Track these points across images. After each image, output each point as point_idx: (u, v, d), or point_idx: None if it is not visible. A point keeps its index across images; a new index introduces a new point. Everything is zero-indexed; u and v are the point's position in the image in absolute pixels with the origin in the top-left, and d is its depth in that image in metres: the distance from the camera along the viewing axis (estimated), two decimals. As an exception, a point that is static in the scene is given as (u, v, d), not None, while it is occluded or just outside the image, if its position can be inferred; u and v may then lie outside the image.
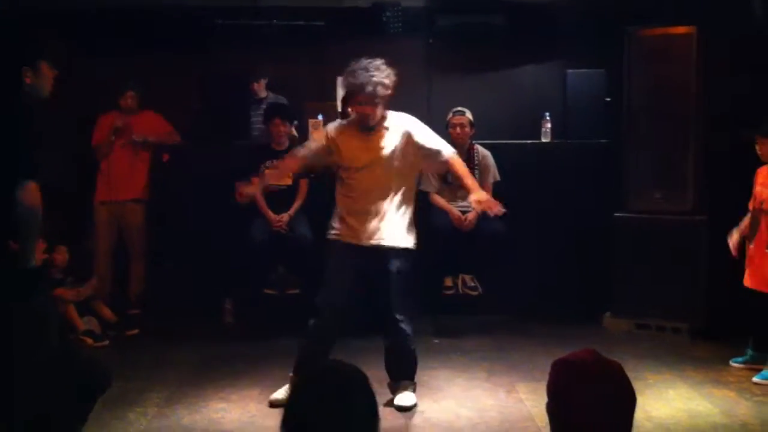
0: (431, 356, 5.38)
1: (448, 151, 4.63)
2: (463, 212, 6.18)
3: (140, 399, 4.57)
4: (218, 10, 7.09)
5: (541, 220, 6.44)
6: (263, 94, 6.94)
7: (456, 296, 6.25)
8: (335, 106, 7.10)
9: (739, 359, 5.08)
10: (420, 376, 4.90)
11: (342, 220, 4.49)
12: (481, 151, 6.36)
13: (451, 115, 6.29)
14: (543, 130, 6.74)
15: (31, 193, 3.43)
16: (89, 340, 5.78)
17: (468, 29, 7.40)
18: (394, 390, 4.53)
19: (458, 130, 6.23)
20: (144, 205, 6.44)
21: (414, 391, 4.56)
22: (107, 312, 6.12)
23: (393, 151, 4.46)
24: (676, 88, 6.00)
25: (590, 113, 6.68)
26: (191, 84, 7.18)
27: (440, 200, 6.27)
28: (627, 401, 2.11)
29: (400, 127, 4.54)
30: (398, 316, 4.47)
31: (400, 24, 7.36)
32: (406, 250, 4.50)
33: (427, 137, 4.57)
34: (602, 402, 2.07)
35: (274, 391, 4.59)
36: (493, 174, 6.33)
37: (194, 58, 7.13)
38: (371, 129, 4.47)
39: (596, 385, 2.09)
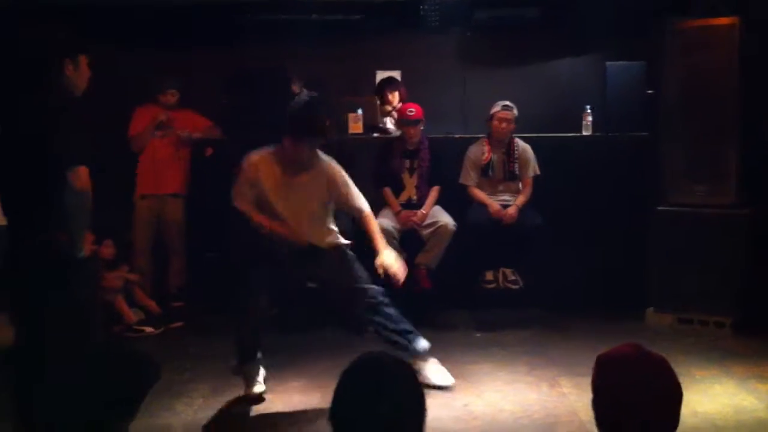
0: (472, 350, 5.40)
1: (366, 207, 4.69)
2: (504, 206, 6.18)
3: (186, 390, 4.64)
4: (256, 4, 7.14)
5: (581, 213, 6.40)
6: (297, 89, 6.97)
7: (497, 290, 6.25)
8: (373, 100, 7.13)
9: None
10: (462, 369, 4.94)
11: None
12: (521, 144, 6.34)
13: (498, 108, 6.24)
14: (584, 123, 6.69)
15: (81, 177, 3.52)
16: (148, 329, 5.89)
17: (505, 22, 7.39)
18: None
19: (503, 125, 6.21)
20: (183, 199, 6.52)
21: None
22: (152, 304, 6.21)
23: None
24: (717, 80, 5.92)
25: (631, 106, 6.61)
26: (227, 78, 7.23)
27: (480, 194, 6.27)
28: (674, 396, 2.11)
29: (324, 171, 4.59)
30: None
31: (438, 17, 7.36)
32: None
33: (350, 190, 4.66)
34: (649, 397, 2.07)
35: (317, 382, 4.64)
36: (533, 168, 6.32)
37: (231, 53, 7.19)
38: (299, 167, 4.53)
39: (642, 380, 2.08)
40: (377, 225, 4.79)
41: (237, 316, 4.56)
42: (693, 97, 6.01)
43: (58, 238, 3.52)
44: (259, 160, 4.54)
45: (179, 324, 6.15)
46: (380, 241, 4.65)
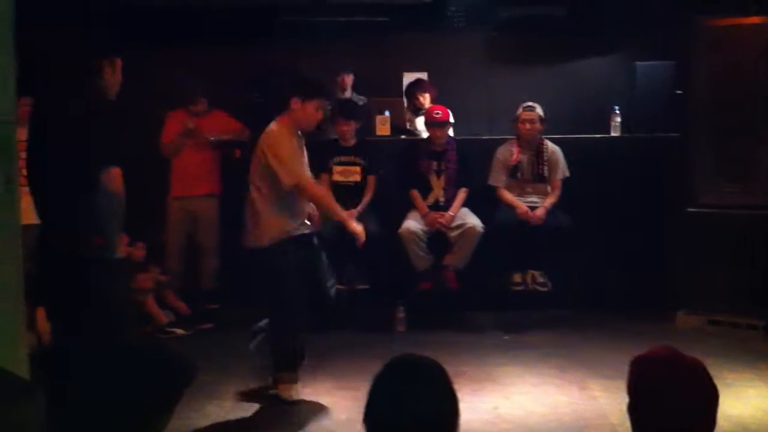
0: (501, 352, 5.39)
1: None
2: (531, 208, 6.16)
3: (218, 391, 4.66)
4: (283, 6, 7.18)
5: (609, 215, 6.36)
6: (348, 94, 6.98)
7: (525, 292, 6.22)
8: (401, 102, 7.14)
9: None
10: (490, 372, 4.94)
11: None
12: (551, 146, 6.30)
13: (520, 110, 6.24)
14: (612, 124, 6.64)
15: (114, 178, 3.57)
16: (179, 331, 5.95)
17: (532, 21, 7.36)
18: None
19: (528, 125, 6.19)
20: (216, 200, 6.57)
21: None
22: (182, 306, 6.26)
23: None
24: (747, 80, 5.88)
25: (659, 106, 6.55)
26: (256, 80, 7.27)
27: (508, 195, 6.25)
28: (711, 399, 2.09)
29: None
30: None
31: (463, 17, 7.35)
32: None
33: None
34: (686, 399, 2.05)
35: (347, 384, 4.66)
36: (562, 170, 6.28)
37: (259, 54, 7.24)
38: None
39: (680, 382, 2.06)
40: None
41: (283, 325, 4.52)
42: (723, 96, 5.96)
43: (93, 240, 3.57)
44: (280, 130, 4.49)
45: (209, 325, 6.19)
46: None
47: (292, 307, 4.48)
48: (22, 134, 3.49)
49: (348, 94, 6.93)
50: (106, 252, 3.66)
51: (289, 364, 4.55)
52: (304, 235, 4.58)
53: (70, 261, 3.60)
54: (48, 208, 3.68)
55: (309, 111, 4.50)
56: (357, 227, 4.58)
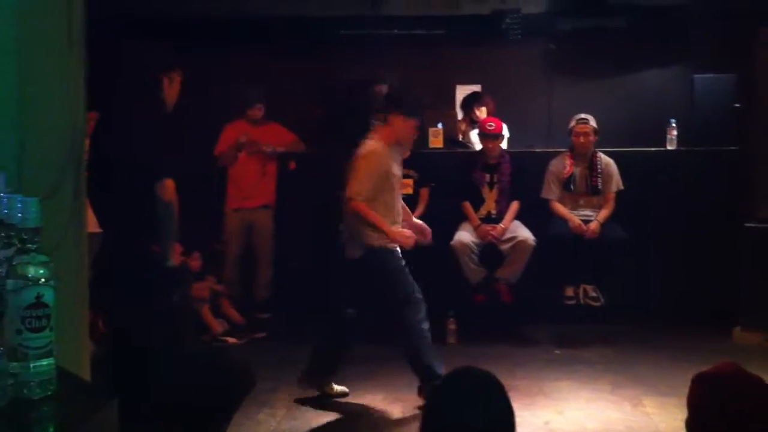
0: (553, 367, 5.35)
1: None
2: (585, 221, 6.11)
3: (270, 400, 4.72)
4: (341, 19, 7.26)
5: (665, 229, 6.28)
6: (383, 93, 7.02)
7: (577, 306, 6.17)
8: (454, 114, 7.15)
9: None
10: (542, 386, 4.91)
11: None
12: (604, 159, 6.26)
13: (574, 123, 6.21)
14: (669, 137, 6.57)
15: (167, 189, 3.68)
16: (231, 339, 6.04)
17: (589, 33, 7.33)
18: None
19: (581, 138, 6.16)
20: (272, 210, 6.66)
21: None
22: (236, 315, 6.34)
23: None
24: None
25: (718, 119, 6.46)
26: (315, 92, 7.37)
27: (561, 208, 6.21)
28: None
29: None
30: None
31: (520, 30, 7.34)
32: None
33: None
34: (749, 418, 2.03)
35: (399, 395, 4.68)
36: (617, 182, 6.23)
37: (318, 67, 7.33)
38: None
39: (741, 401, 2.04)
40: None
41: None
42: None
43: (151, 248, 3.66)
44: (379, 148, 4.56)
45: (262, 334, 6.26)
46: None
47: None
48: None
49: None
50: (162, 259, 3.76)
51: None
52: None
53: (130, 267, 3.70)
54: (109, 217, 3.79)
55: (409, 127, 4.58)
56: (403, 239, 4.55)
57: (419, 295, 4.56)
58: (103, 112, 3.79)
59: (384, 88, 7.00)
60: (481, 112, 6.89)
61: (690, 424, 2.14)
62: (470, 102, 7.05)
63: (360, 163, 4.52)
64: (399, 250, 4.62)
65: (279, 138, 6.72)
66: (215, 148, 6.63)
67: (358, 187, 4.47)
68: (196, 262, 6.17)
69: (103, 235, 3.84)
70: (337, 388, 4.80)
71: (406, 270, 4.58)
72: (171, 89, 3.90)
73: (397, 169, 4.59)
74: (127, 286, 3.64)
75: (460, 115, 7.17)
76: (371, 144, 4.58)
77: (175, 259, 3.93)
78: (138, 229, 3.70)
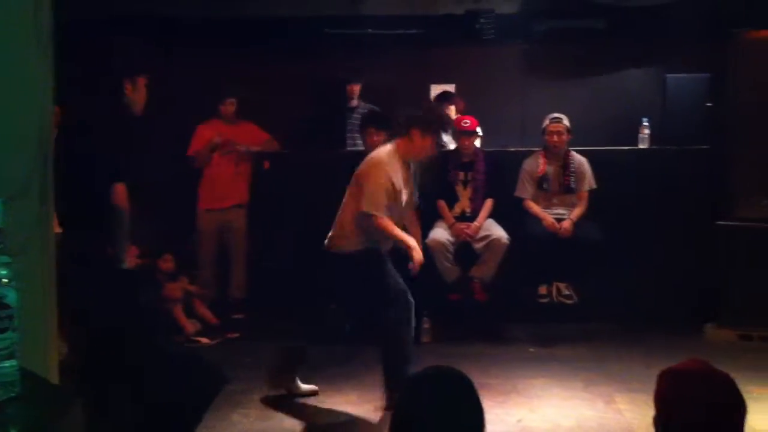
0: (527, 365, 5.38)
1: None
2: (558, 219, 6.15)
3: (243, 401, 4.70)
4: (319, 19, 7.24)
5: (638, 227, 6.33)
6: (355, 103, 7.02)
7: (551, 304, 6.20)
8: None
9: None
10: (516, 384, 4.93)
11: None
12: (577, 158, 6.30)
13: (547, 122, 6.25)
14: (641, 136, 6.63)
15: (118, 194, 3.69)
16: (204, 339, 6.01)
17: (563, 34, 7.36)
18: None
19: (555, 137, 6.20)
20: (246, 210, 6.63)
21: None
22: (209, 315, 6.31)
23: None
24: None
25: (690, 119, 6.52)
26: (292, 91, 7.34)
27: (534, 207, 6.24)
28: (739, 414, 2.08)
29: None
30: None
31: (494, 30, 7.36)
32: None
33: None
34: (714, 414, 2.05)
35: (371, 395, 4.68)
36: (589, 181, 6.27)
37: (294, 66, 7.30)
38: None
39: (707, 396, 2.06)
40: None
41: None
42: (760, 109, 5.90)
43: (106, 250, 3.67)
44: (388, 158, 4.58)
45: (236, 335, 6.24)
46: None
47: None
48: None
49: (355, 102, 6.98)
50: (116, 262, 3.77)
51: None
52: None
53: (84, 267, 3.70)
54: (67, 219, 3.79)
55: (426, 145, 4.60)
56: (418, 257, 4.56)
57: (410, 298, 4.58)
58: (65, 111, 3.78)
59: (357, 88, 7.00)
60: (451, 111, 6.91)
61: (657, 419, 2.16)
62: (440, 101, 7.06)
63: (368, 176, 4.53)
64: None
65: (253, 137, 6.69)
66: (189, 149, 6.59)
67: (375, 201, 4.47)
68: (168, 263, 6.15)
69: (61, 235, 3.83)
70: (304, 387, 4.79)
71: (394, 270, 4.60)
72: (135, 93, 3.91)
73: (399, 182, 4.57)
74: (82, 287, 3.63)
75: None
76: (380, 155, 4.61)
77: (130, 261, 3.92)
78: (92, 230, 3.71)
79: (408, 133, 4.58)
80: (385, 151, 4.63)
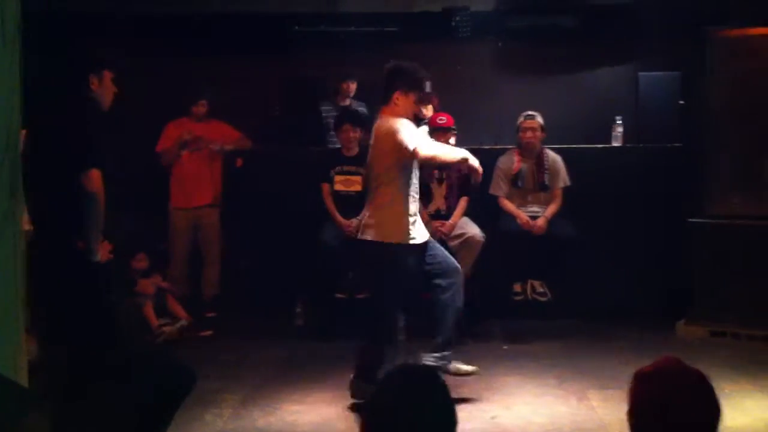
0: (501, 362, 5.39)
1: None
2: (533, 217, 6.16)
3: (216, 400, 4.66)
4: (293, 16, 7.21)
5: (612, 224, 6.36)
6: (347, 102, 6.98)
7: (525, 302, 6.22)
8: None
9: None
10: (490, 381, 4.93)
11: (410, 220, 4.50)
12: (551, 155, 6.32)
13: (522, 119, 6.27)
14: (614, 134, 6.67)
15: (93, 179, 3.64)
16: (167, 328, 5.98)
17: (538, 31, 7.38)
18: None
19: (528, 134, 6.22)
20: (218, 208, 6.59)
21: None
22: (181, 312, 6.26)
23: None
24: (757, 90, 5.87)
25: (663, 117, 6.57)
26: (267, 90, 7.31)
27: (509, 204, 6.26)
28: (713, 414, 2.08)
29: None
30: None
31: (469, 28, 7.36)
32: None
33: None
34: (688, 414, 2.05)
35: (346, 394, 4.64)
36: (563, 179, 6.29)
37: (271, 64, 7.27)
38: None
39: (681, 395, 2.06)
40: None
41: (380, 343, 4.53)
42: (732, 107, 5.95)
43: (76, 243, 3.62)
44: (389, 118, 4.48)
45: (209, 332, 6.20)
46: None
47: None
48: None
49: (348, 101, 6.95)
50: (88, 255, 3.73)
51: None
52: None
53: (57, 264, 3.66)
54: (36, 213, 3.75)
55: (410, 102, 4.52)
56: (475, 162, 4.48)
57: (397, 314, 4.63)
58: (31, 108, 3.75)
59: (353, 86, 6.96)
60: (427, 110, 6.90)
61: (630, 416, 2.16)
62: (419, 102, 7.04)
63: (390, 130, 4.39)
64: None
65: (223, 135, 6.65)
66: (157, 146, 6.53)
67: (409, 137, 4.34)
68: (142, 263, 6.10)
69: (34, 231, 3.78)
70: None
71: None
72: (101, 89, 3.90)
73: None
74: (51, 283, 3.59)
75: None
76: (385, 120, 4.49)
77: (102, 255, 3.86)
78: (62, 224, 3.67)
79: (390, 99, 4.52)
80: (384, 119, 4.52)
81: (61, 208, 3.68)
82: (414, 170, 4.52)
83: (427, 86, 7.22)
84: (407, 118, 4.53)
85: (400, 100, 4.50)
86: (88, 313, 3.59)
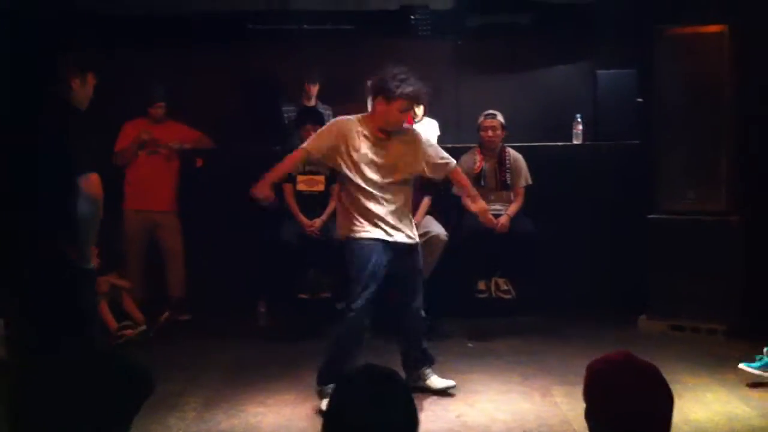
0: (465, 360, 5.40)
1: (453, 163, 4.81)
2: (495, 215, 6.17)
3: (179, 403, 4.60)
4: (248, 14, 7.16)
5: (573, 222, 6.42)
6: (312, 102, 6.94)
7: (489, 299, 6.25)
8: (365, 109, 7.12)
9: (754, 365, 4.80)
10: (455, 379, 4.92)
11: (368, 219, 4.50)
12: (513, 154, 6.35)
13: (482, 118, 6.29)
14: (575, 132, 6.73)
15: (93, 184, 3.56)
16: (128, 332, 5.90)
17: (496, 30, 7.42)
18: (425, 377, 4.70)
19: (489, 133, 6.24)
20: (176, 211, 6.52)
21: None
22: (137, 312, 6.16)
23: (411, 158, 4.61)
24: (708, 87, 5.94)
25: (621, 114, 6.65)
26: (223, 89, 7.24)
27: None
28: (665, 403, 2.11)
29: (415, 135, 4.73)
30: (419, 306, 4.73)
31: (429, 26, 7.37)
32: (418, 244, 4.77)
33: (437, 150, 4.76)
34: (640, 405, 2.07)
35: (309, 395, 4.63)
36: (525, 177, 6.33)
37: (225, 63, 7.20)
38: (390, 134, 4.55)
39: (633, 387, 2.08)
40: (467, 179, 5.08)
41: (341, 342, 4.50)
42: (684, 104, 6.02)
43: (68, 251, 3.55)
44: (347, 119, 4.57)
45: (163, 326, 6.14)
46: (474, 192, 4.94)
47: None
48: None
49: (312, 102, 6.91)
50: (80, 262, 3.65)
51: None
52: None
53: (45, 271, 3.58)
54: (23, 216, 3.64)
55: (391, 110, 4.50)
56: None
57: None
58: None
59: (314, 88, 6.90)
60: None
61: (588, 413, 2.17)
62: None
63: None
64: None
65: (182, 136, 6.58)
66: (115, 146, 6.43)
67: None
68: (94, 259, 5.97)
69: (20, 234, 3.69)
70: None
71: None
72: (83, 89, 3.83)
73: (359, 148, 4.49)
74: (38, 291, 3.51)
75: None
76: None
77: (94, 261, 3.81)
78: (55, 229, 3.57)
79: (373, 105, 4.57)
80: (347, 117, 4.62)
81: (52, 213, 3.57)
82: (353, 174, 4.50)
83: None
84: (389, 124, 4.55)
85: (379, 106, 4.54)
86: (72, 317, 3.52)
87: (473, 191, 4.92)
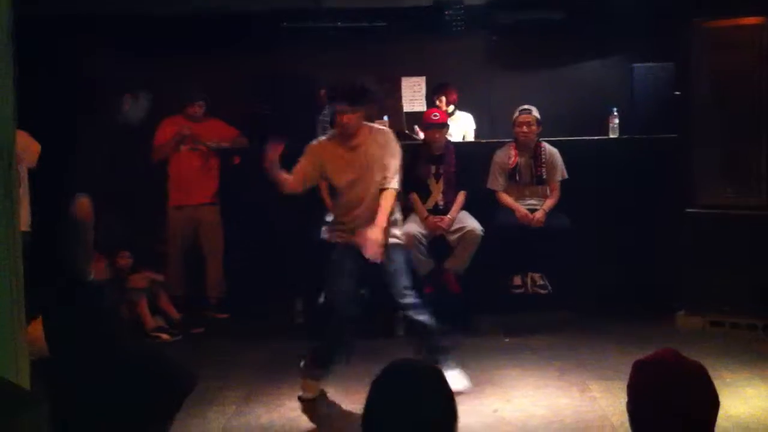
0: (502, 355, 5.40)
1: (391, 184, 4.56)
2: (531, 210, 6.18)
3: (218, 397, 4.67)
4: (282, 12, 7.21)
5: (610, 216, 6.37)
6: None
7: (525, 295, 6.23)
8: (400, 107, 7.16)
9: None
10: (491, 374, 4.94)
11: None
12: (548, 149, 6.32)
13: (517, 113, 6.27)
14: (611, 125, 6.67)
15: (81, 207, 3.63)
16: (164, 336, 5.96)
17: (530, 25, 7.40)
18: None
19: (525, 128, 6.22)
20: (218, 206, 6.59)
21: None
22: (173, 310, 6.24)
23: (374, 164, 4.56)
24: (745, 80, 5.87)
25: (658, 108, 6.58)
26: (256, 86, 7.30)
27: (507, 198, 6.26)
28: (710, 403, 2.09)
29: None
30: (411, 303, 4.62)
31: (462, 22, 7.37)
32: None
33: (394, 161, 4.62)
34: (686, 403, 2.06)
35: (346, 389, 4.66)
36: (561, 172, 6.30)
37: (259, 61, 7.26)
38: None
39: (679, 387, 2.07)
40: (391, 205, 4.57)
41: (331, 324, 4.57)
42: (721, 97, 5.96)
43: (67, 260, 3.63)
44: (318, 143, 4.66)
45: (200, 329, 6.20)
46: (382, 217, 4.47)
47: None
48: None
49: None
50: (80, 275, 3.74)
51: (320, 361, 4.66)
52: None
53: (50, 280, 3.66)
54: (39, 225, 3.74)
55: (351, 118, 4.51)
56: None
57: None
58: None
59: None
60: (441, 102, 6.91)
61: (630, 407, 2.17)
62: (434, 92, 7.08)
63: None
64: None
65: (221, 133, 6.65)
66: (155, 140, 6.51)
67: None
68: (125, 260, 6.04)
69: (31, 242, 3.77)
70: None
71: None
72: (135, 108, 3.90)
73: (332, 161, 4.58)
74: (53, 298, 3.59)
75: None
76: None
77: (97, 273, 3.90)
78: (56, 241, 3.66)
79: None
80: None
81: (52, 231, 3.67)
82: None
83: (422, 80, 7.28)
84: (342, 129, 4.55)
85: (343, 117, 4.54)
86: (86, 324, 3.59)
87: (382, 222, 4.48)
